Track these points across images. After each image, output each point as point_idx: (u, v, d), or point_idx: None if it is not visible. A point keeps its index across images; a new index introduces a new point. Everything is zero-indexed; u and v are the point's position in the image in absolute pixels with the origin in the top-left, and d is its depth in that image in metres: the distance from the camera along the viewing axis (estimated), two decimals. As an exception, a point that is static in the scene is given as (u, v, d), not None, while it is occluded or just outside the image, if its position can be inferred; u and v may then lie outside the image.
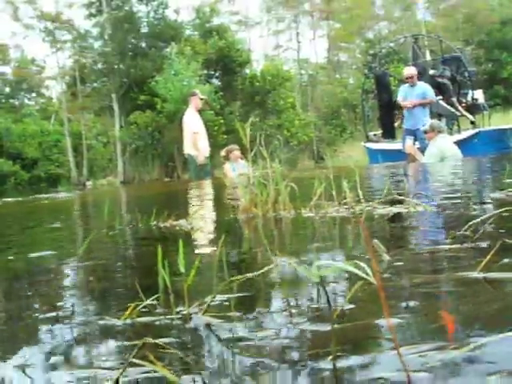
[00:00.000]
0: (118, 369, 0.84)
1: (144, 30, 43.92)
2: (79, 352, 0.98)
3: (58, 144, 49.91)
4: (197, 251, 1.99)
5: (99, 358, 0.93)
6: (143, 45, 43.65)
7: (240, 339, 0.95)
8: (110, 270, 1.84)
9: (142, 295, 1.17)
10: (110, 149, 46.36)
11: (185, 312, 1.11)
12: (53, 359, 0.94)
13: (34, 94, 64.49)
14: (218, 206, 4.48)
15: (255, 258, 1.79)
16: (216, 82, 40.46)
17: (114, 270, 1.85)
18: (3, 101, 60.11)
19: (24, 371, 0.90)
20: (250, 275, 1.26)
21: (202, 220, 3.02)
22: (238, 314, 1.08)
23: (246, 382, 0.78)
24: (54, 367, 0.91)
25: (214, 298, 1.14)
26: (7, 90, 62.55)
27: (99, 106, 45.79)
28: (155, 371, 0.82)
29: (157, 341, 0.93)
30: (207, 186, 8.25)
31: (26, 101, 64.06)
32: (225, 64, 39.20)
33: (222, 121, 34.59)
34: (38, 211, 6.69)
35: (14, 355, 0.98)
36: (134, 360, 0.85)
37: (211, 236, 2.45)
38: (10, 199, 11.35)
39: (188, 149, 11.24)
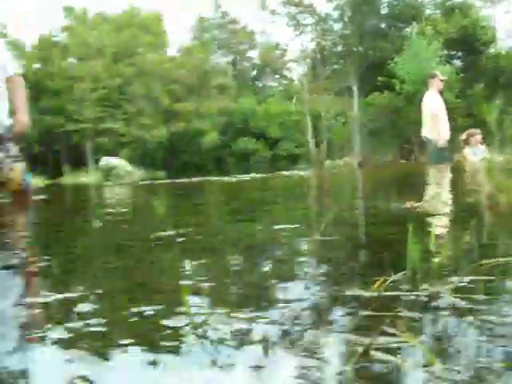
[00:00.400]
0: (368, 336, 0.89)
1: (383, 11, 43.54)
2: (330, 318, 1.05)
3: (298, 124, 51.80)
4: (440, 233, 1.98)
5: (349, 325, 0.99)
6: (382, 26, 43.31)
7: (485, 322, 0.94)
8: (352, 246, 1.92)
9: (390, 271, 1.21)
10: (347, 129, 46.89)
11: (432, 290, 1.13)
12: (313, 323, 1.03)
13: (277, 76, 67.61)
14: (458, 191, 4.36)
15: (504, 244, 1.74)
16: (457, 62, 38.77)
17: (355, 246, 1.93)
18: (250, 83, 64.03)
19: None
20: (501, 260, 1.24)
21: (442, 203, 2.98)
22: (484, 297, 1.08)
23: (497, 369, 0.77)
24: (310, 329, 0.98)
25: (462, 279, 1.16)
26: (254, 73, 66.51)
27: (338, 87, 46.52)
28: (403, 342, 0.85)
29: (406, 314, 0.98)
30: (446, 170, 8.02)
31: (270, 83, 67.46)
32: (467, 43, 37.33)
33: (462, 103, 33.10)
34: (280, 187, 7.03)
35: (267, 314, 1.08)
36: (386, 329, 0.90)
37: (453, 219, 2.42)
38: (255, 175, 12.06)
39: (427, 131, 10.97)
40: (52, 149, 48.89)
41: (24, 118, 4.97)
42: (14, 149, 4.84)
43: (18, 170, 4.79)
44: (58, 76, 50.27)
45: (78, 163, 44.92)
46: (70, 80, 50.48)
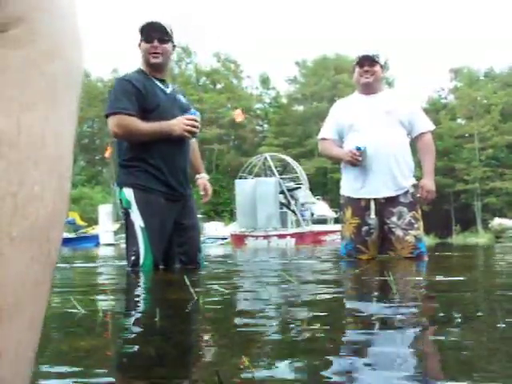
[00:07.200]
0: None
1: None
2: None
3: None
4: None
5: None
6: None
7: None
8: None
9: None
10: None
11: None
12: None
13: None
14: None
15: None
16: None
17: None
18: None
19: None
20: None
21: None
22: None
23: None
24: None
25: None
26: None
27: None
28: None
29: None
30: None
31: None
32: None
33: None
34: None
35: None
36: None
37: None
38: None
39: None
40: (441, 208, 49.58)
41: (432, 185, 4.60)
42: (408, 215, 4.45)
43: (409, 240, 4.46)
44: (447, 136, 51.17)
45: (467, 223, 44.61)
46: (458, 140, 51.00)
